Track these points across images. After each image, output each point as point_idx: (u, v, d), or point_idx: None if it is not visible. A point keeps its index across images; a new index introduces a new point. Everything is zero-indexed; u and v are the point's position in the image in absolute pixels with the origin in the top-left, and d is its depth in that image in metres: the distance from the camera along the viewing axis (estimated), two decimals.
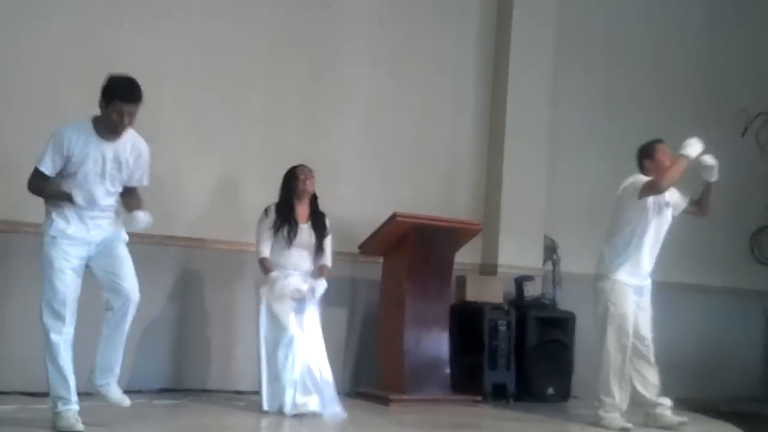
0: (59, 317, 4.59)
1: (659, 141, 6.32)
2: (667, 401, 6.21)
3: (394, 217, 6.61)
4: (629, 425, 5.90)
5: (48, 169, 4.63)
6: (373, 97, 7.46)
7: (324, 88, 7.22)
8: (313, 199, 6.11)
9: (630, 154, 8.69)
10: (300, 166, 6.06)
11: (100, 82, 6.11)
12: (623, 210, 6.10)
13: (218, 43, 6.76)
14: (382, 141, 7.47)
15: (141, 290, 4.82)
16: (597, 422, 5.99)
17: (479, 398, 6.88)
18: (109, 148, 4.71)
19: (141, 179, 4.91)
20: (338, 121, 7.28)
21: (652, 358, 6.23)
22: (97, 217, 4.73)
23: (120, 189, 4.84)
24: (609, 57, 8.76)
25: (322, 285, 5.85)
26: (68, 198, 4.62)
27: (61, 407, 4.61)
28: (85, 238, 4.71)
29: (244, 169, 6.81)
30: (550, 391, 7.35)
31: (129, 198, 4.91)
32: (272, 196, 6.85)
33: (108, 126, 4.68)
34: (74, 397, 4.65)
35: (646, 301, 6.23)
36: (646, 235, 6.09)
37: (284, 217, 5.94)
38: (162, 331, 6.16)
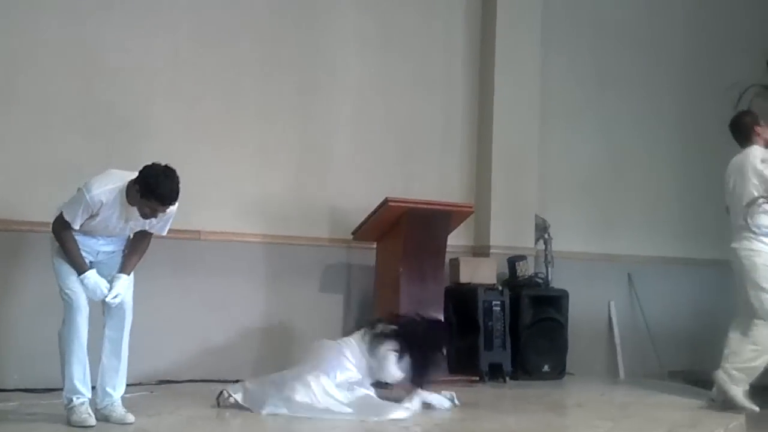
0: (72, 306, 4.63)
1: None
2: None
3: (386, 202, 6.65)
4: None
5: (75, 224, 4.63)
6: (362, 82, 7.48)
7: (314, 74, 7.24)
8: None
9: (618, 134, 8.81)
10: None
11: (91, 74, 6.23)
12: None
13: (208, 33, 6.76)
14: (373, 127, 7.50)
15: (135, 283, 4.87)
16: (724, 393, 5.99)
17: (476, 378, 6.95)
18: (135, 214, 4.70)
19: (161, 230, 4.89)
20: (329, 108, 7.29)
21: None
22: (111, 238, 4.84)
23: None
24: (598, 33, 8.78)
25: None
26: (81, 272, 4.65)
27: (75, 401, 4.65)
28: (93, 246, 4.79)
29: (236, 159, 6.83)
30: (546, 368, 7.43)
31: (135, 246, 4.88)
32: (265, 184, 6.93)
33: (139, 211, 4.65)
34: (88, 392, 4.70)
35: None
36: None
37: None
38: (160, 323, 6.19)
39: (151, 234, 4.90)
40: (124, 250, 4.89)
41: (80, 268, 4.67)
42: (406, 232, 6.77)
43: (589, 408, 6.09)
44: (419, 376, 5.49)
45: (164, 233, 4.93)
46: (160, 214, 4.69)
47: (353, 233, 6.97)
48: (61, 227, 4.68)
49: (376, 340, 5.53)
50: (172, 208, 4.73)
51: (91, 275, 4.67)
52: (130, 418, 4.75)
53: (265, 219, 6.92)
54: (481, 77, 8.06)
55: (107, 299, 4.71)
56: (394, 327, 5.60)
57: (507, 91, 7.98)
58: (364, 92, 7.49)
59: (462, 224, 7.28)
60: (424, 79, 7.81)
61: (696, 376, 8.09)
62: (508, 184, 7.91)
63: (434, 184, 7.64)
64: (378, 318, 5.72)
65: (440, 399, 5.58)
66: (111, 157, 6.22)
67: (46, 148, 6.08)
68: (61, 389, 4.75)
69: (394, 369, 5.44)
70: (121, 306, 4.75)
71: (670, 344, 8.81)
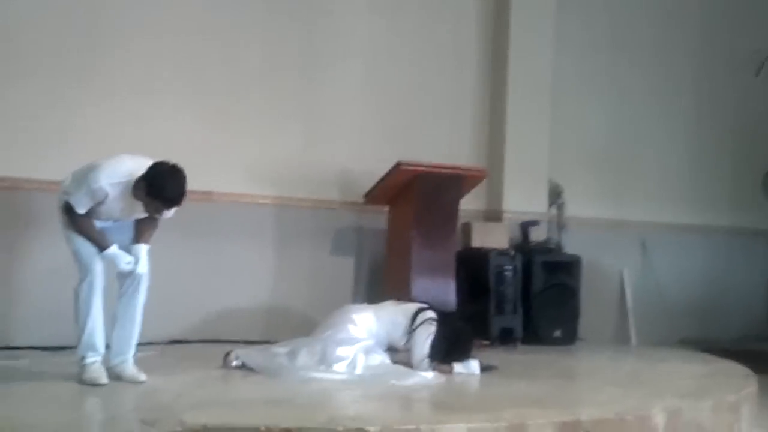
0: (89, 269, 4.63)
1: None
2: None
3: (398, 165, 6.61)
4: None
5: (81, 210, 4.63)
6: (374, 45, 7.42)
7: (324, 39, 7.18)
8: None
9: (632, 99, 8.74)
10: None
11: (97, 35, 6.19)
12: None
13: None
14: (384, 90, 7.44)
15: None
16: None
17: (487, 343, 6.94)
18: (140, 206, 4.67)
19: (166, 214, 4.84)
20: (339, 72, 7.24)
21: None
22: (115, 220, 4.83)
23: None
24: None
25: None
26: (103, 249, 4.66)
27: (88, 360, 4.67)
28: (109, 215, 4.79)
29: (247, 121, 6.80)
30: (557, 334, 7.41)
31: (146, 223, 4.83)
32: (277, 146, 6.90)
33: (144, 207, 4.65)
34: (102, 350, 4.72)
35: None
36: None
37: None
38: (170, 283, 6.20)
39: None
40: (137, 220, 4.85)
41: (102, 246, 4.67)
42: (417, 196, 6.74)
43: (599, 374, 6.08)
44: (442, 361, 5.51)
45: (170, 215, 4.87)
46: (166, 213, 4.70)
47: (365, 196, 6.94)
48: (70, 214, 4.68)
49: (420, 318, 5.55)
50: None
51: (113, 250, 4.67)
52: (142, 376, 4.77)
53: (276, 181, 6.90)
54: (495, 41, 7.97)
55: (137, 271, 4.72)
56: (437, 313, 5.63)
57: (521, 55, 7.91)
58: (376, 55, 7.43)
59: (475, 188, 7.24)
60: (437, 42, 7.74)
61: (708, 343, 8.09)
62: (522, 149, 7.85)
63: (446, 148, 7.58)
64: (427, 304, 5.73)
65: (467, 367, 5.58)
66: (117, 118, 6.23)
67: (52, 109, 6.06)
68: (72, 347, 4.77)
69: (425, 350, 5.45)
70: (138, 273, 4.74)
71: (683, 311, 8.79)
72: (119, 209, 4.69)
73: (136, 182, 4.57)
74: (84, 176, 4.62)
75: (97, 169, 4.61)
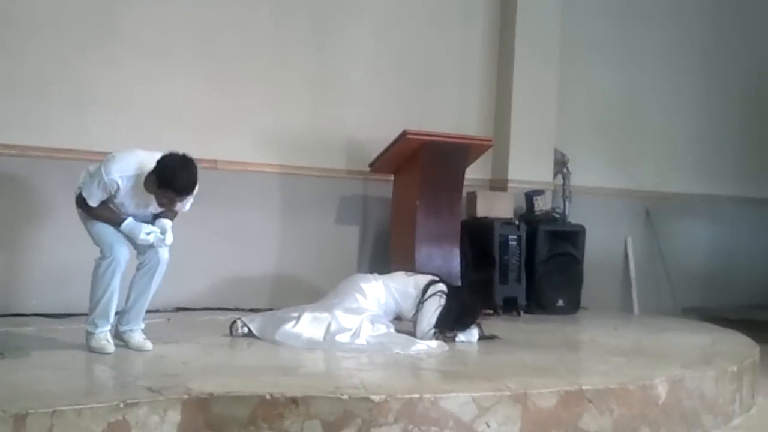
0: (111, 251, 4.65)
1: None
2: None
3: (404, 134, 6.60)
4: None
5: (93, 202, 4.68)
6: (380, 14, 7.39)
7: (331, 6, 7.15)
8: None
9: (640, 67, 8.70)
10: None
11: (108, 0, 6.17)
12: None
13: None
14: (391, 58, 7.42)
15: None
16: None
17: (491, 312, 6.97)
18: (153, 199, 4.69)
19: (182, 207, 4.87)
20: (346, 40, 7.22)
21: None
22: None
23: None
24: None
25: None
26: (119, 224, 4.70)
27: (97, 330, 4.70)
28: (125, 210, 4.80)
29: (253, 89, 6.79)
30: (560, 303, 7.44)
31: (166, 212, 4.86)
32: (282, 114, 6.90)
33: (156, 200, 4.67)
34: (112, 319, 4.76)
35: None
36: None
37: None
38: (177, 252, 6.23)
39: None
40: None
41: (116, 221, 4.71)
42: (423, 165, 6.75)
43: (602, 343, 6.11)
44: (446, 334, 5.55)
45: (186, 209, 4.91)
46: (178, 203, 4.71)
47: (370, 165, 6.94)
48: (85, 206, 4.72)
49: (431, 291, 5.58)
50: (193, 194, 4.75)
51: (129, 221, 4.71)
52: (148, 345, 4.83)
53: (281, 150, 6.90)
54: (502, 9, 7.93)
55: (160, 257, 4.77)
56: (447, 286, 5.66)
57: (528, 23, 7.86)
58: (383, 23, 7.39)
59: (480, 158, 7.24)
60: (444, 10, 7.70)
61: (711, 312, 8.12)
62: (528, 118, 7.83)
63: (453, 117, 7.57)
64: (438, 276, 5.76)
65: (467, 336, 5.63)
66: (127, 84, 6.23)
67: (63, 74, 6.06)
68: (77, 315, 4.81)
69: (432, 321, 5.49)
70: (157, 255, 4.78)
71: (686, 280, 8.82)
72: (133, 204, 4.72)
73: (147, 175, 4.60)
74: (97, 169, 4.66)
75: (109, 161, 4.65)
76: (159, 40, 6.41)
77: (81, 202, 4.73)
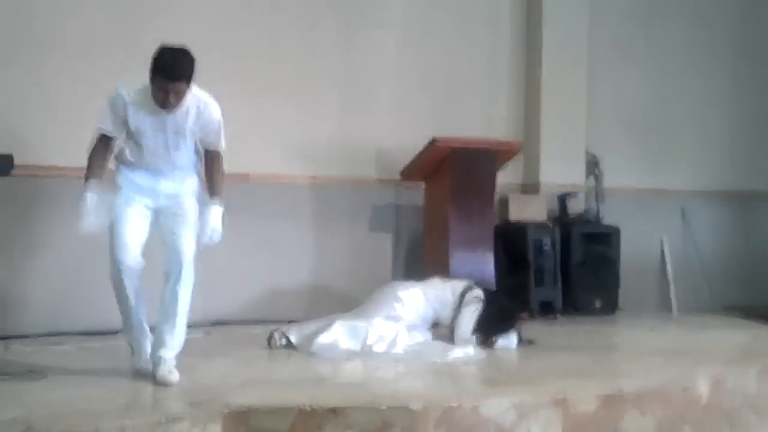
0: (119, 262, 4.40)
1: None
2: None
3: (433, 141, 6.61)
4: None
5: (108, 127, 4.42)
6: (406, 22, 7.39)
7: (357, 16, 7.16)
8: None
9: (669, 65, 8.63)
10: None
11: (131, 18, 6.23)
12: None
13: None
14: (418, 66, 7.41)
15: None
16: None
17: (526, 315, 6.93)
18: (168, 120, 4.39)
19: (216, 145, 4.58)
20: (374, 47, 7.22)
21: None
22: (169, 171, 4.54)
23: (194, 147, 4.58)
24: None
25: None
26: (90, 188, 4.34)
27: (133, 352, 4.63)
28: (153, 188, 4.52)
29: (281, 101, 6.79)
30: (597, 304, 7.40)
31: (209, 170, 4.61)
32: (311, 126, 6.91)
33: (157, 102, 4.33)
34: (142, 334, 4.55)
35: None
36: None
37: None
38: (212, 265, 6.26)
39: (218, 153, 4.62)
40: (184, 202, 4.57)
41: (87, 177, 4.37)
42: (454, 171, 6.74)
43: (641, 344, 6.06)
44: (485, 340, 5.54)
45: (221, 145, 4.59)
46: (173, 99, 4.28)
47: (401, 173, 6.95)
48: (95, 143, 4.46)
49: (468, 296, 5.59)
50: (210, 111, 4.46)
51: (89, 197, 4.32)
52: (173, 378, 4.38)
53: (312, 161, 6.93)
54: (529, 11, 7.91)
55: (213, 238, 4.55)
56: (484, 292, 5.66)
57: (555, 24, 7.83)
58: (409, 30, 7.39)
59: (511, 162, 7.21)
60: (471, 15, 7.69)
61: (752, 310, 8.02)
62: (558, 120, 7.80)
63: (482, 122, 7.55)
64: (474, 281, 5.77)
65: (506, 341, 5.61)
66: None
67: (84, 93, 6.04)
68: (113, 332, 4.84)
69: (470, 327, 5.48)
70: (178, 258, 4.43)
71: (724, 279, 8.72)
72: (149, 129, 4.37)
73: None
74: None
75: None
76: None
77: (92, 144, 4.44)
